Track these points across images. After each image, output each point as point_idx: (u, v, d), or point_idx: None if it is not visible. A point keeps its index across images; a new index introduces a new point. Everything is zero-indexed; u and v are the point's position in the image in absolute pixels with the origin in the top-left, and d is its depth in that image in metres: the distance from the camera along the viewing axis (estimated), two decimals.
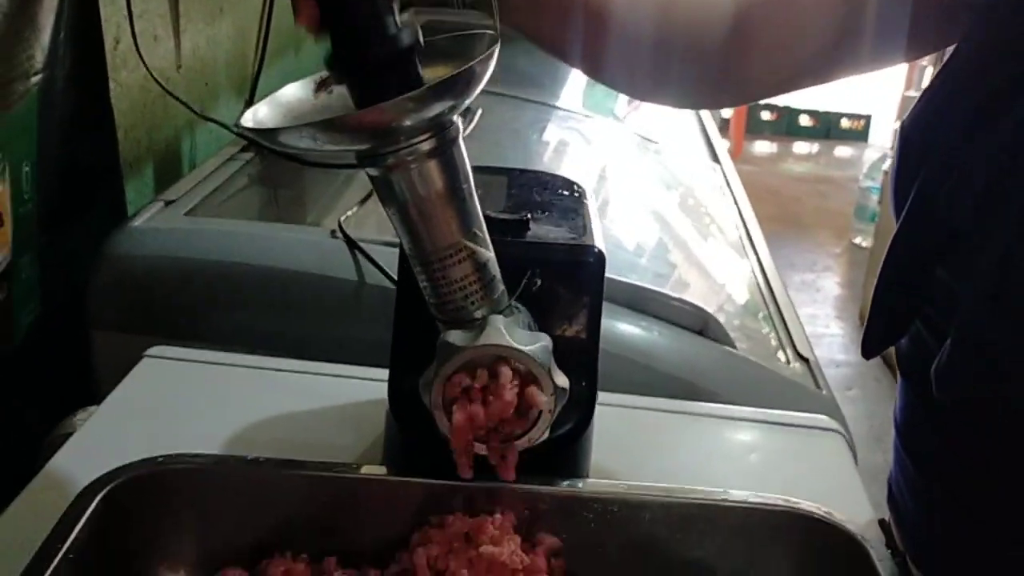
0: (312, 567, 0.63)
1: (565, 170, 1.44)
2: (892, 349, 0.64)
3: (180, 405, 0.83)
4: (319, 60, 0.59)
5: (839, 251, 3.89)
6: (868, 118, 5.20)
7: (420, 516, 0.64)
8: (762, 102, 5.00)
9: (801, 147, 5.11)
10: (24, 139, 0.97)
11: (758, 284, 1.30)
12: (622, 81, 0.74)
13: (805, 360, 1.08)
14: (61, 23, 1.02)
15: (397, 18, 0.58)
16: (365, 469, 0.65)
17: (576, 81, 2.03)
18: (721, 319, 1.06)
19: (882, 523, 0.70)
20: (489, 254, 0.61)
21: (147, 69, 1.17)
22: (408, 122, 0.55)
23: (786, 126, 5.13)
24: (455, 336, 0.60)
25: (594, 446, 0.74)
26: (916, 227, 0.55)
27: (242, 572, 0.63)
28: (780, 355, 1.10)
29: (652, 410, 0.88)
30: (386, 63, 0.56)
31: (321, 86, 0.64)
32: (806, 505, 0.65)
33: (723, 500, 0.65)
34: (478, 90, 0.58)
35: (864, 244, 3.81)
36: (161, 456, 0.64)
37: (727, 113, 4.77)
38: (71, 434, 0.78)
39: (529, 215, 0.70)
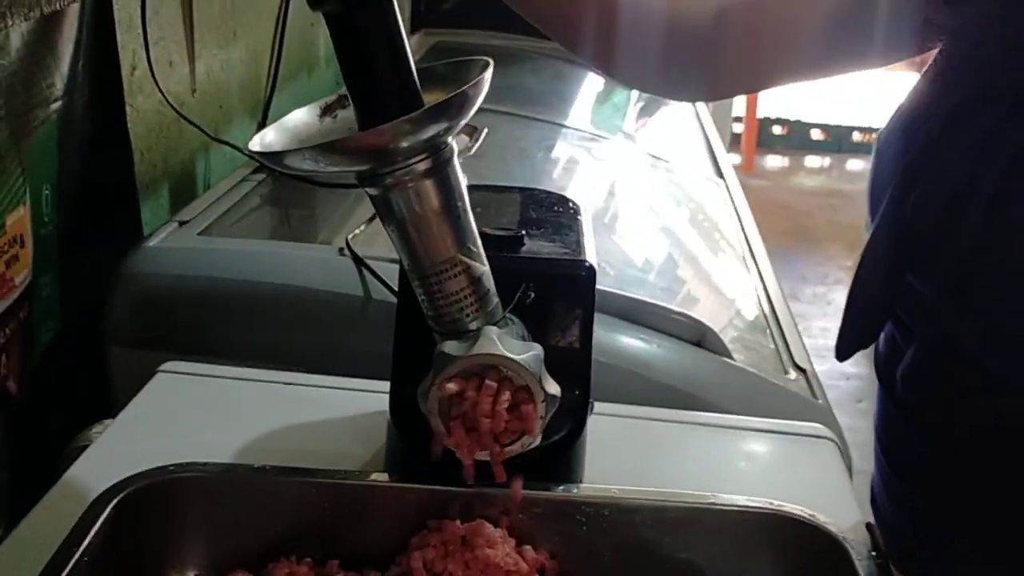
0: (316, 570, 0.66)
1: (569, 187, 1.47)
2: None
3: (192, 418, 0.86)
4: (330, 83, 0.62)
5: (850, 264, 3.89)
6: (879, 131, 5.20)
7: (419, 520, 0.67)
8: (773, 116, 5.03)
9: (813, 161, 5.12)
10: (44, 163, 1.01)
11: (759, 297, 1.32)
12: (624, 70, 0.75)
13: (803, 371, 1.10)
14: (80, 51, 1.06)
15: (412, 62, 0.60)
16: (366, 476, 0.68)
17: (584, 99, 2.07)
18: (720, 331, 1.08)
19: (869, 526, 0.72)
20: (484, 268, 0.64)
21: (162, 94, 1.21)
22: (405, 144, 0.58)
23: (798, 140, 5.14)
24: (450, 346, 0.63)
25: (592, 454, 0.76)
26: (886, 233, 0.58)
27: (248, 575, 0.66)
28: (778, 366, 1.12)
29: (649, 419, 0.90)
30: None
31: (326, 111, 0.68)
32: (791, 508, 0.67)
33: (712, 503, 0.67)
34: (472, 112, 0.61)
35: None
36: (172, 465, 0.67)
37: (738, 128, 4.80)
38: (87, 446, 0.82)
39: (524, 231, 0.73)
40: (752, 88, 0.81)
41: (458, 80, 0.62)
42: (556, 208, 0.80)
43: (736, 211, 1.64)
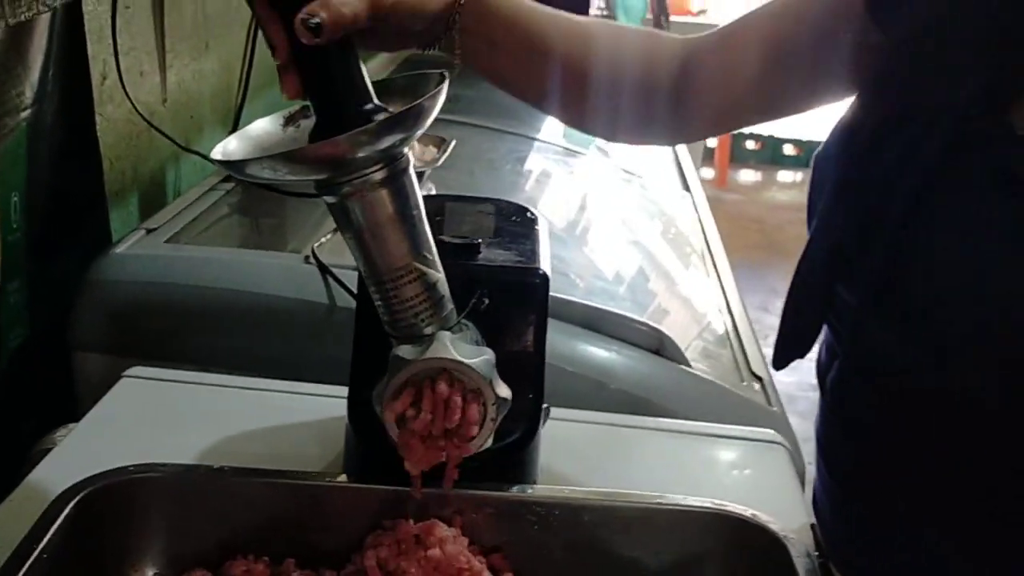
0: (272, 569, 0.68)
1: (535, 199, 1.50)
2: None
3: (156, 422, 0.87)
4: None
5: None
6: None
7: (374, 520, 0.69)
8: (746, 131, 5.09)
9: (785, 175, 5.18)
10: (14, 171, 1.02)
11: (720, 307, 1.35)
12: (595, 126, 0.79)
13: (759, 379, 1.13)
14: (50, 60, 1.07)
15: (366, 77, 0.63)
16: (323, 477, 0.70)
17: None
18: (679, 340, 1.11)
19: (813, 527, 0.75)
20: (439, 275, 0.66)
21: (132, 104, 1.23)
22: (361, 154, 0.61)
23: (770, 155, 5.20)
24: (404, 350, 0.65)
25: (548, 458, 0.79)
26: (819, 246, 0.61)
27: (207, 573, 0.67)
28: (736, 375, 1.14)
29: (605, 425, 0.92)
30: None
31: (289, 121, 0.70)
32: (735, 508, 0.70)
33: (659, 504, 0.70)
34: (427, 124, 0.63)
35: None
36: (132, 466, 0.69)
37: (712, 143, 4.85)
38: (52, 448, 0.83)
39: (480, 240, 0.75)
40: (720, 131, 0.84)
41: (416, 92, 0.64)
42: (514, 218, 0.83)
43: (701, 224, 1.67)
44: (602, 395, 1.00)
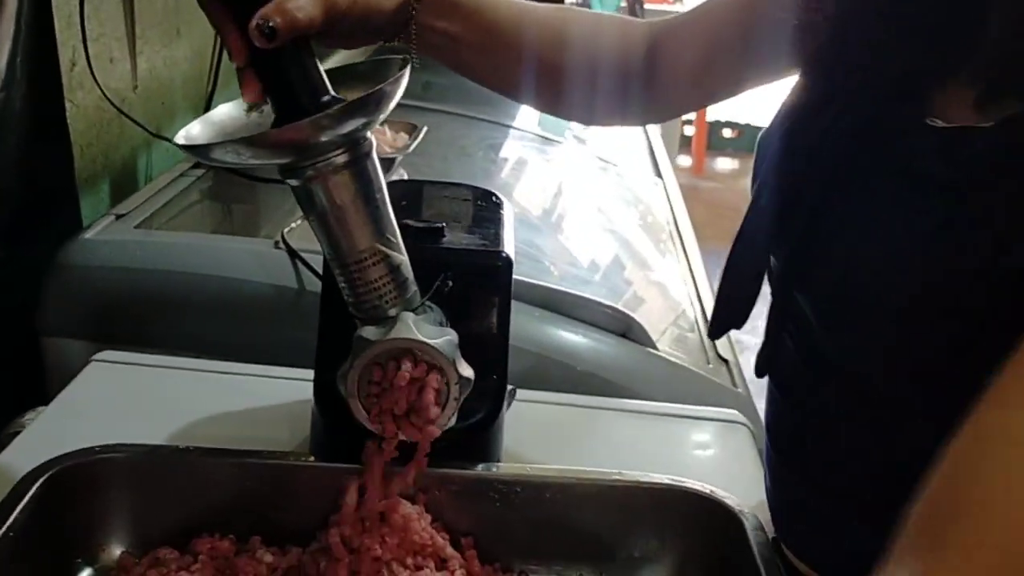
0: (238, 546, 0.69)
1: (505, 186, 1.51)
2: None
3: (124, 405, 0.88)
4: None
5: None
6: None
7: (340, 498, 0.69)
8: (723, 119, 5.11)
9: None
10: None
11: (689, 292, 1.37)
12: (571, 112, 0.81)
13: (725, 361, 1.14)
14: (18, 47, 1.07)
15: (322, 72, 0.64)
16: (288, 456, 0.71)
17: None
18: (648, 324, 1.12)
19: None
20: (402, 258, 0.67)
21: (101, 91, 1.22)
22: (324, 138, 0.61)
23: (747, 143, 5.21)
24: (368, 331, 0.66)
25: (515, 438, 0.80)
26: (751, 219, 0.63)
27: (173, 551, 0.68)
28: (702, 357, 1.16)
29: (571, 406, 0.94)
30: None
31: (253, 106, 0.70)
32: (692, 484, 0.71)
33: (617, 480, 0.71)
34: (390, 108, 0.64)
35: None
36: (98, 446, 0.70)
37: (689, 131, 4.87)
38: (19, 432, 0.83)
39: (445, 223, 0.76)
40: (691, 108, 0.85)
41: (378, 78, 0.65)
42: (480, 202, 0.84)
43: (672, 211, 1.68)
44: (570, 377, 1.01)
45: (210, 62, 1.59)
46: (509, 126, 1.83)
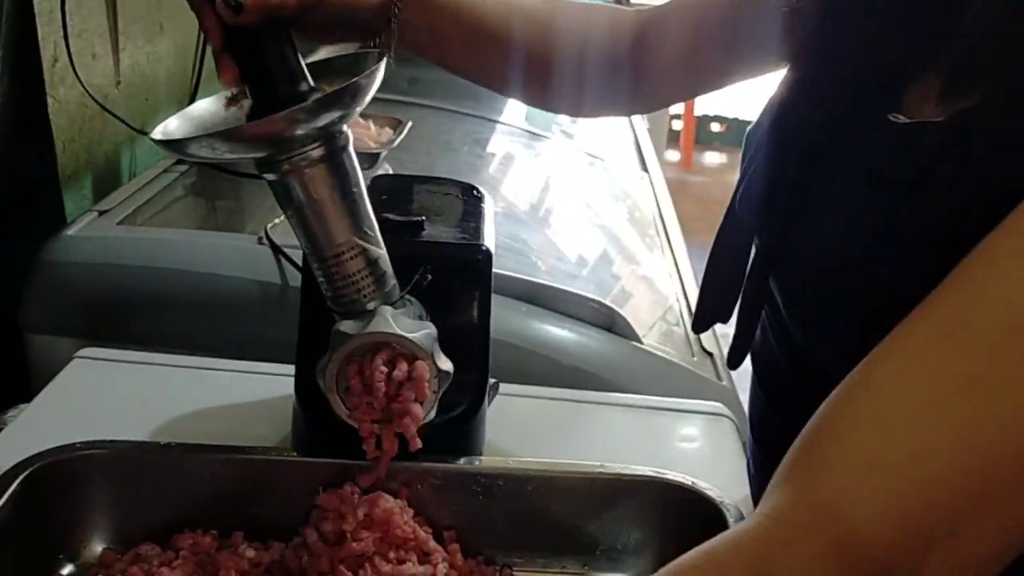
0: (220, 542, 0.69)
1: (494, 181, 1.51)
2: None
3: (108, 402, 0.87)
4: None
5: None
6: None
7: (319, 493, 0.69)
8: (711, 113, 5.12)
9: None
10: None
11: (674, 286, 1.37)
12: (558, 105, 0.81)
13: (709, 354, 1.15)
14: None
15: (302, 61, 0.64)
16: (270, 451, 0.71)
17: None
18: (633, 317, 1.13)
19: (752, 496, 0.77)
20: (380, 251, 0.67)
21: (83, 87, 1.22)
22: (299, 131, 0.61)
23: (736, 137, 5.23)
24: (346, 325, 0.66)
25: (498, 432, 0.80)
26: (735, 211, 0.63)
27: (155, 547, 0.68)
28: (687, 350, 1.16)
29: (555, 400, 0.94)
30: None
31: (232, 101, 0.70)
32: (673, 476, 0.71)
33: (599, 473, 0.71)
34: (366, 102, 0.64)
35: None
36: (79, 442, 0.69)
37: (677, 125, 4.88)
38: (2, 429, 0.83)
39: (424, 217, 0.76)
40: (676, 99, 0.86)
41: (355, 72, 0.65)
42: (460, 196, 0.84)
43: (658, 204, 1.69)
44: (554, 371, 1.01)
45: (193, 58, 1.58)
46: (495, 121, 1.83)
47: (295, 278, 1.04)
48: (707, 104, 5.06)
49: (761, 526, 0.45)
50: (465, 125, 1.74)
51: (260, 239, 1.09)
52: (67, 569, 0.68)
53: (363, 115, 1.39)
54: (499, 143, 1.74)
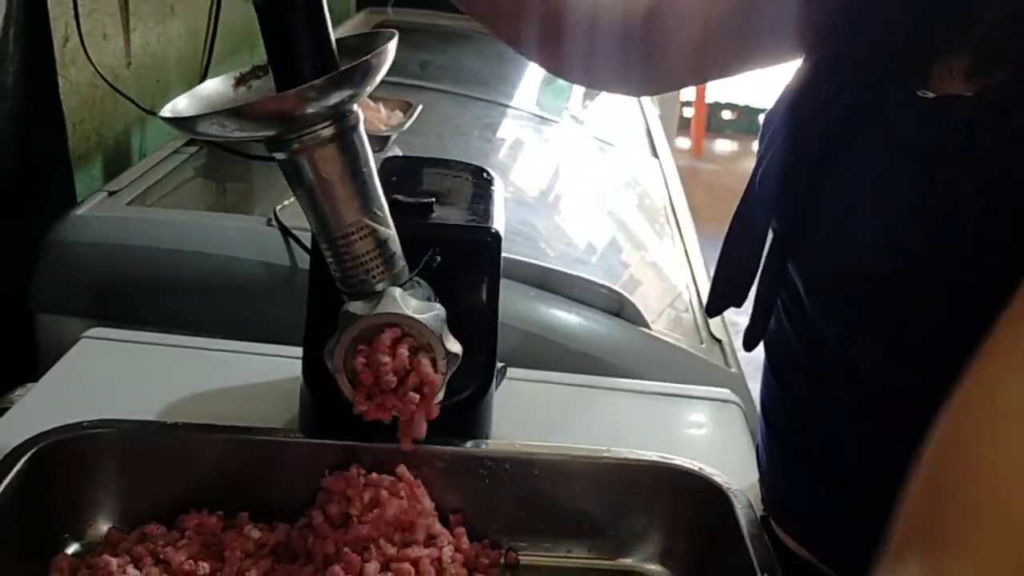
0: (226, 522, 0.69)
1: (504, 165, 1.50)
2: None
3: (114, 382, 0.87)
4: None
5: None
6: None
7: (328, 474, 0.69)
8: (723, 100, 5.09)
9: None
10: None
11: (683, 272, 1.36)
12: (569, 68, 0.79)
13: (718, 341, 1.14)
14: (10, 22, 1.06)
15: (331, 39, 0.63)
16: (276, 432, 0.71)
17: (529, 81, 2.09)
18: (642, 303, 1.12)
19: (759, 482, 0.77)
20: (390, 232, 0.67)
21: (94, 67, 1.22)
22: (309, 110, 0.61)
23: (747, 125, 5.21)
24: (355, 306, 0.65)
25: (506, 416, 0.80)
26: (751, 194, 0.62)
27: (161, 527, 0.68)
28: (696, 337, 1.16)
29: (563, 384, 0.93)
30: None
31: (240, 81, 0.70)
32: (680, 461, 0.71)
33: (605, 457, 0.71)
34: (376, 81, 0.64)
35: None
36: (86, 421, 0.69)
37: (688, 112, 4.85)
38: (9, 408, 0.83)
39: (435, 199, 0.76)
40: (687, 82, 0.84)
41: (367, 51, 0.64)
42: (470, 178, 0.83)
43: (668, 191, 1.68)
44: (562, 356, 1.01)
45: (204, 39, 1.58)
46: (506, 105, 1.82)
47: (304, 260, 1.04)
48: (718, 91, 5.03)
49: None
50: (475, 109, 1.73)
51: (269, 221, 1.09)
52: (72, 548, 0.68)
53: (373, 98, 1.39)
54: (509, 128, 1.74)
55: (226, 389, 0.88)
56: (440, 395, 0.67)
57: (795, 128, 0.59)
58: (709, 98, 4.94)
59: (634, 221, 1.53)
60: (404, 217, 0.69)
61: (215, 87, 0.69)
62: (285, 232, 1.07)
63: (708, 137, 4.99)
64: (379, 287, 0.66)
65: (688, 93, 4.77)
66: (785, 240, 0.61)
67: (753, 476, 0.80)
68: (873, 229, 0.54)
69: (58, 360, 0.91)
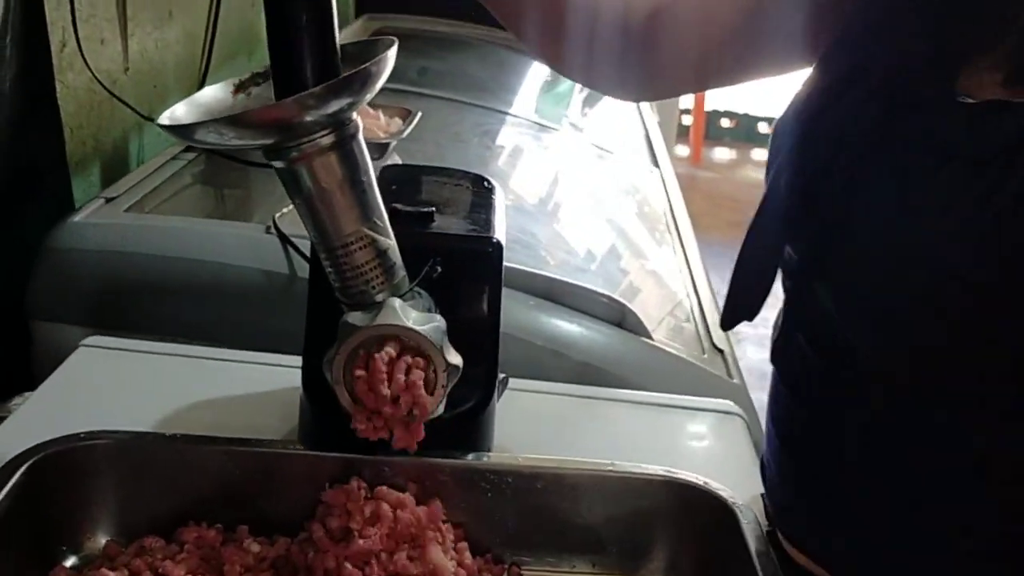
0: (225, 535, 0.68)
1: (503, 172, 1.49)
2: None
3: (112, 391, 0.86)
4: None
5: None
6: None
7: (328, 487, 0.68)
8: (721, 109, 5.09)
9: (760, 154, 5.19)
10: None
11: (684, 282, 1.35)
12: (568, 65, 0.78)
13: (720, 352, 1.13)
14: (8, 27, 1.06)
15: (336, 38, 0.62)
16: (276, 444, 0.70)
17: (528, 88, 2.09)
18: (643, 313, 1.11)
19: (763, 496, 0.76)
20: (389, 242, 0.66)
21: (91, 72, 1.21)
22: (308, 118, 0.60)
23: (745, 133, 5.21)
24: (354, 317, 0.64)
25: (507, 428, 0.79)
26: (767, 208, 0.61)
27: (159, 540, 0.67)
28: (697, 347, 1.15)
29: (564, 395, 0.93)
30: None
31: (240, 88, 0.69)
32: (685, 475, 0.70)
33: (609, 471, 0.70)
34: (376, 89, 0.63)
35: None
36: (83, 432, 0.68)
37: (687, 120, 4.85)
38: (5, 417, 0.82)
39: (435, 208, 0.75)
40: (687, 88, 0.83)
41: (366, 59, 0.64)
42: (470, 187, 0.82)
43: (669, 200, 1.67)
44: (563, 366, 1.00)
45: (202, 44, 1.57)
46: (505, 113, 1.82)
47: (303, 268, 1.03)
48: (717, 99, 5.03)
49: None
50: (474, 116, 1.72)
51: (268, 228, 1.08)
52: (70, 561, 0.67)
53: (372, 105, 1.38)
54: (508, 135, 1.73)
55: (224, 399, 0.87)
56: (441, 408, 0.66)
57: (813, 146, 0.58)
58: (708, 106, 4.94)
59: (634, 229, 1.52)
60: (404, 226, 0.68)
61: (214, 94, 0.68)
62: (284, 240, 1.06)
63: (707, 145, 4.99)
64: (379, 297, 0.65)
65: (687, 101, 4.77)
66: (810, 263, 0.60)
67: (756, 489, 0.80)
68: (918, 237, 0.53)
69: (55, 368, 0.90)
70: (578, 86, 2.14)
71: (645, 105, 2.24)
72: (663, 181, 1.76)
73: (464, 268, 0.72)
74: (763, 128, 5.22)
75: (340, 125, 0.62)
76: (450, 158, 1.46)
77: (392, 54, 0.63)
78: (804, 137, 0.59)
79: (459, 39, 2.25)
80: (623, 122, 2.12)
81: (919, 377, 0.56)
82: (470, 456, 0.71)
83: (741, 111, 5.16)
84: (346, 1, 2.50)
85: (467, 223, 0.75)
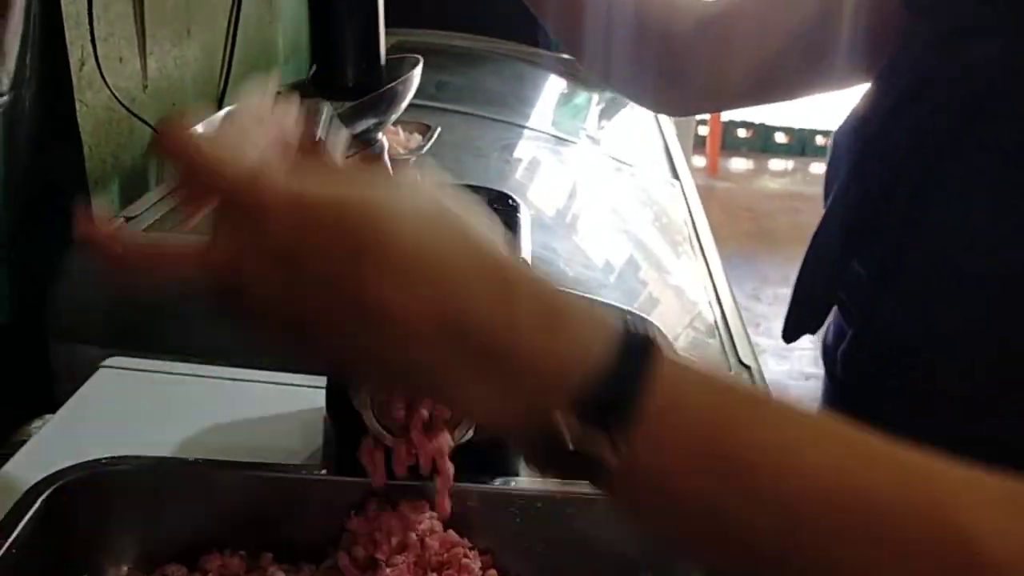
0: (248, 563, 0.67)
1: (519, 187, 1.48)
2: None
3: (134, 413, 0.86)
4: (288, 82, 0.63)
5: None
6: (835, 130, 5.26)
7: (354, 514, 0.67)
8: (738, 119, 5.08)
9: (777, 164, 5.18)
10: None
11: (708, 296, 1.34)
12: (600, 66, 0.77)
13: (747, 367, 1.11)
14: (27, 46, 1.05)
15: (382, 48, 0.62)
16: (299, 469, 0.69)
17: (545, 101, 2.08)
18: (667, 328, 1.10)
19: None
20: None
21: (111, 91, 1.21)
22: None
23: (762, 143, 5.20)
24: None
25: None
26: (833, 222, 0.60)
27: (182, 568, 0.66)
28: (724, 362, 1.13)
29: None
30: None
31: None
32: None
33: None
34: (401, 108, 0.62)
35: None
36: (105, 458, 0.67)
37: (703, 131, 4.84)
38: (26, 440, 0.81)
39: None
40: (722, 104, 0.82)
41: (390, 78, 0.63)
42: (495, 205, 0.81)
43: (690, 212, 1.66)
44: None
45: (221, 62, 1.57)
46: (523, 126, 1.81)
47: None
48: (733, 110, 5.02)
49: None
50: (493, 131, 1.72)
51: None
52: None
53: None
54: (527, 149, 1.72)
55: (248, 420, 0.86)
56: (470, 433, 0.65)
57: (876, 162, 0.57)
58: (724, 116, 4.93)
59: (653, 242, 1.51)
60: None
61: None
62: None
63: (723, 155, 4.98)
64: None
65: None
66: (880, 276, 0.59)
67: None
68: (995, 250, 0.52)
69: (74, 387, 0.89)
70: (595, 98, 2.13)
71: (663, 117, 2.23)
72: (684, 194, 1.74)
73: None
74: (780, 138, 5.21)
75: (366, 145, 0.61)
76: (470, 173, 1.45)
77: (417, 73, 0.62)
78: (867, 153, 0.58)
79: (476, 53, 2.24)
80: (641, 134, 2.11)
81: (999, 389, 0.55)
82: (498, 481, 0.70)
83: (758, 121, 5.15)
84: None
85: None
